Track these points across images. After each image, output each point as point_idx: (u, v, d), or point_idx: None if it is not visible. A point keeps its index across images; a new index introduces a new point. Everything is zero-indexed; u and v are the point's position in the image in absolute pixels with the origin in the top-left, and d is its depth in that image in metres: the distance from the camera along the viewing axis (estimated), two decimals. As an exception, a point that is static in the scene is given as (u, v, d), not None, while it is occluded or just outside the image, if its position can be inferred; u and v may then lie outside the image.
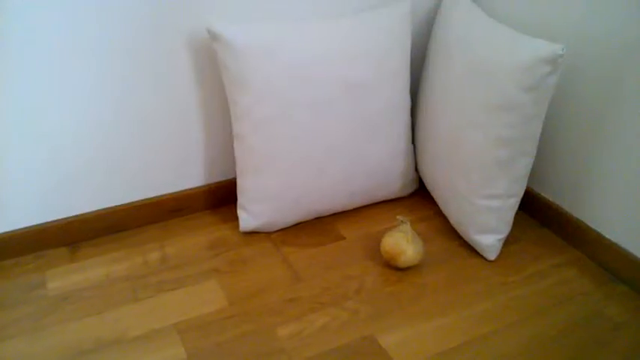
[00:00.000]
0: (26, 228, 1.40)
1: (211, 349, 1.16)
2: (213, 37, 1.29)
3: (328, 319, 1.24)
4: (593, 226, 1.41)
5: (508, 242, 1.45)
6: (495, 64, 1.25)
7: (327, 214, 1.54)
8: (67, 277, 1.35)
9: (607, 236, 1.38)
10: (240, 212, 1.47)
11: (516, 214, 1.52)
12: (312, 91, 1.35)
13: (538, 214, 1.55)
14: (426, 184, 1.60)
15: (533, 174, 1.52)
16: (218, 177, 1.56)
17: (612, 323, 1.24)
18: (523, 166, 1.33)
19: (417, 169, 1.63)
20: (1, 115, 1.24)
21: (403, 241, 1.34)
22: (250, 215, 1.46)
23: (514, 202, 1.37)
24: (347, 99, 1.39)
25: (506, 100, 1.23)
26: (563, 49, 1.15)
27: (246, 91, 1.31)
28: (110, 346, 1.16)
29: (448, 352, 1.16)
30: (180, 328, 1.21)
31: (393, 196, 1.61)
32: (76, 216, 1.44)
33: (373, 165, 1.49)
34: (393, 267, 1.38)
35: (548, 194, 1.52)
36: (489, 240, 1.39)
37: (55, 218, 1.42)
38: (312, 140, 1.39)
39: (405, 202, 1.63)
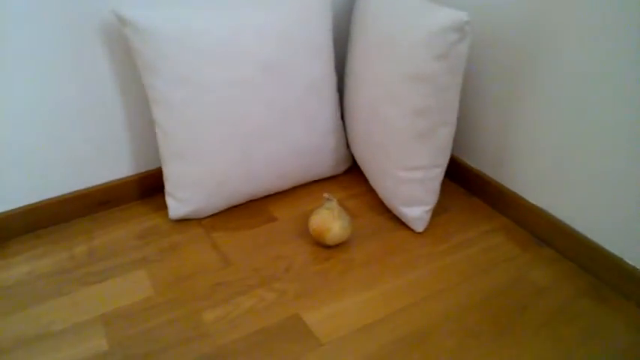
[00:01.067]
0: (-53, 229, 1.37)
1: (135, 337, 1.15)
2: (122, 22, 1.26)
3: (255, 301, 1.23)
4: (517, 191, 1.43)
5: (437, 212, 1.47)
6: (405, 35, 1.24)
7: (259, 196, 1.53)
8: (-9, 276, 1.32)
9: (531, 201, 1.40)
10: (168, 200, 1.45)
11: (445, 184, 1.53)
12: (226, 74, 1.33)
13: (466, 183, 1.56)
14: (357, 161, 1.60)
15: (460, 143, 1.54)
16: (146, 166, 1.54)
17: (536, 287, 1.26)
18: (444, 136, 1.33)
19: (348, 147, 1.63)
20: None
21: (329, 218, 1.34)
22: (178, 202, 1.44)
23: (438, 173, 1.38)
24: (265, 79, 1.37)
25: (419, 70, 1.23)
26: (467, 16, 1.15)
27: (159, 76, 1.29)
28: (30, 343, 1.14)
29: (371, 326, 1.17)
30: (105, 319, 1.20)
31: (326, 175, 1.61)
32: (1, 213, 1.41)
33: (301, 144, 1.49)
34: (322, 245, 1.38)
35: (474, 163, 1.53)
36: (416, 212, 1.40)
37: (-23, 217, 1.40)
38: (231, 123, 1.37)
39: (338, 180, 1.63)
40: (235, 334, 1.16)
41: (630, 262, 1.20)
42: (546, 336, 1.13)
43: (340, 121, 1.56)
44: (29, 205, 1.43)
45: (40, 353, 1.11)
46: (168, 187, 1.44)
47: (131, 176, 1.53)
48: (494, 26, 1.34)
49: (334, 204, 1.35)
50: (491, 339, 1.13)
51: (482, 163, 1.51)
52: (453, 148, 1.57)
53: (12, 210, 1.41)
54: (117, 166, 1.50)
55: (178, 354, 1.11)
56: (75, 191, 1.48)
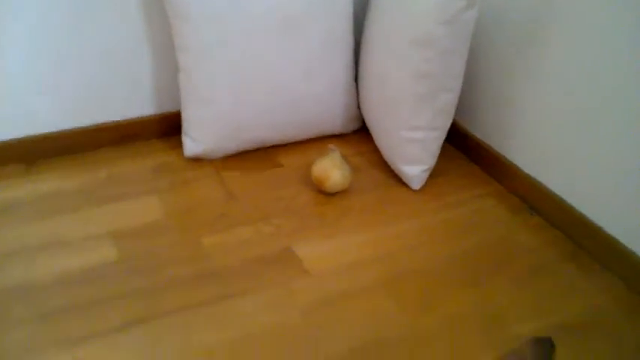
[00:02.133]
0: (-16, 144, 1.50)
1: (141, 252, 1.26)
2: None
3: (253, 233, 1.34)
4: (513, 161, 1.49)
5: (435, 174, 1.54)
6: (414, 1, 1.31)
7: (270, 144, 1.63)
8: (17, 189, 1.45)
9: (525, 170, 1.46)
10: (184, 139, 1.56)
11: (447, 149, 1.60)
12: (250, 24, 1.42)
13: (466, 150, 1.63)
14: (365, 122, 1.68)
15: (464, 112, 1.60)
16: (168, 107, 1.65)
17: (520, 248, 1.33)
18: (446, 101, 1.40)
19: (359, 108, 1.71)
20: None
21: (330, 167, 1.42)
22: (193, 142, 1.55)
23: (438, 135, 1.45)
24: (285, 31, 1.46)
25: (425, 34, 1.30)
26: (476, -16, 1.22)
27: (186, 20, 1.39)
28: (46, 248, 1.26)
29: (358, 263, 1.26)
30: (116, 235, 1.31)
31: (335, 132, 1.70)
32: (36, 135, 1.54)
33: (313, 98, 1.57)
34: (322, 192, 1.47)
35: (476, 132, 1.60)
36: (414, 170, 1.47)
37: (15, 136, 1.52)
38: (251, 71, 1.47)
39: (346, 138, 1.71)
40: (231, 258, 1.26)
41: (609, 232, 1.26)
42: (524, 288, 1.20)
43: (354, 82, 1.64)
44: (61, 131, 1.56)
45: (54, 258, 1.23)
46: (185, 126, 1.55)
47: (153, 115, 1.64)
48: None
49: (337, 154, 1.44)
50: (470, 284, 1.21)
51: (483, 132, 1.57)
52: (457, 116, 1.64)
53: (45, 133, 1.54)
54: (141, 105, 1.61)
55: (178, 270, 1.22)
56: (102, 123, 1.59)
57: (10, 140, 1.52)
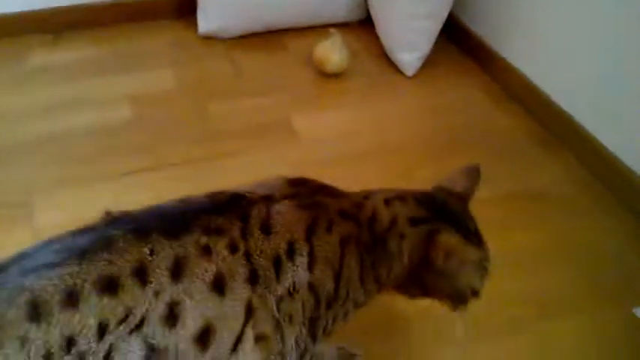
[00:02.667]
0: (15, 13, 1.63)
1: (153, 113, 1.42)
2: None
3: (255, 104, 1.48)
4: (505, 56, 1.58)
5: (429, 65, 1.63)
6: None
7: (277, 27, 1.73)
8: (47, 57, 1.60)
9: (513, 64, 1.55)
10: (199, 16, 1.68)
11: (443, 43, 1.68)
12: None
13: (462, 44, 1.72)
14: (369, 10, 1.76)
15: (462, 6, 1.67)
16: (186, -14, 1.76)
17: (494, 129, 1.45)
18: (443, -10, 1.48)
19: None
20: None
21: (330, 49, 1.54)
22: (207, 20, 1.66)
23: (435, 24, 1.54)
24: None
25: None
26: None
27: None
28: (70, 106, 1.42)
29: (347, 134, 1.40)
30: (132, 98, 1.47)
31: (340, 20, 1.79)
32: (62, 6, 1.66)
33: (322, -15, 1.67)
34: (322, 73, 1.59)
35: (472, 25, 1.68)
36: (409, 57, 1.58)
37: (42, 7, 1.65)
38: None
39: (350, 27, 1.80)
40: (232, 124, 1.41)
41: (577, 119, 1.37)
42: (493, 161, 1.34)
43: (360, -29, 1.72)
44: (85, 3, 1.68)
45: (78, 114, 1.40)
46: (200, 5, 1.65)
47: (171, -6, 1.76)
48: None
49: (337, 38, 1.54)
50: (447, 156, 1.34)
51: (479, 26, 1.65)
52: (456, 9, 1.69)
53: (70, 5, 1.67)
54: (159, -18, 1.73)
55: (185, 130, 1.38)
56: (121, 0, 1.71)
57: (40, 10, 1.65)
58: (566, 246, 1.16)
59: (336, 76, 1.58)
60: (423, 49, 1.57)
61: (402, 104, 1.52)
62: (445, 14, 1.53)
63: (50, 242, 0.58)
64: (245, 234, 0.62)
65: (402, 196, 0.74)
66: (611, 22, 1.25)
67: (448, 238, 0.70)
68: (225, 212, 0.63)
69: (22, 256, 0.56)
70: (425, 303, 1.02)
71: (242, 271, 0.60)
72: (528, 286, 1.07)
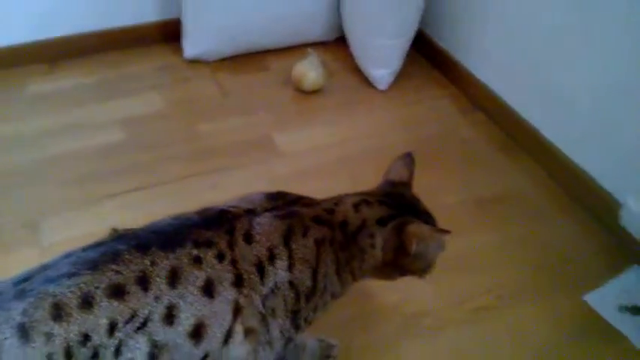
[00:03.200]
0: (11, 45, 1.74)
1: (145, 134, 1.53)
2: None
3: (240, 122, 1.60)
4: (469, 67, 1.70)
5: (400, 78, 1.76)
6: None
7: (259, 49, 1.85)
8: (43, 85, 1.70)
9: (477, 76, 1.68)
10: (183, 42, 1.79)
11: (414, 56, 1.81)
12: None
13: (431, 58, 1.85)
14: (344, 30, 1.88)
15: (432, 23, 1.80)
16: (170, 14, 1.86)
17: (461, 138, 1.58)
18: (410, 10, 1.61)
19: (340, 18, 1.91)
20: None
21: (307, 68, 1.66)
22: (192, 44, 1.78)
23: (404, 42, 1.67)
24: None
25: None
26: None
27: None
28: (65, 132, 1.53)
29: (326, 146, 1.53)
30: (124, 122, 1.57)
31: (318, 39, 1.91)
32: (56, 38, 1.77)
33: (300, 9, 1.79)
34: (300, 90, 1.71)
35: (441, 41, 1.81)
36: (381, 73, 1.70)
37: (36, 38, 1.76)
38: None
39: (327, 45, 1.93)
40: (220, 140, 1.53)
41: (537, 127, 1.50)
42: (458, 169, 1.47)
43: (334, -6, 1.84)
44: (81, 33, 1.79)
45: (73, 139, 1.50)
46: (185, 30, 1.77)
47: (156, 21, 1.86)
48: None
49: (314, 57, 1.67)
50: (419, 162, 1.45)
51: (446, 41, 1.78)
52: (425, 26, 1.83)
53: (63, 36, 1.78)
54: (146, 11, 1.83)
55: (176, 149, 1.50)
56: (112, 28, 1.82)
57: (34, 42, 1.76)
58: (525, 243, 1.29)
59: (314, 93, 1.71)
60: (394, 64, 1.70)
61: (376, 117, 1.64)
62: (413, 32, 1.66)
63: (67, 255, 0.69)
64: (231, 244, 0.74)
65: (367, 200, 0.86)
66: (564, 31, 1.38)
67: (416, 228, 0.82)
68: (213, 226, 0.75)
69: (44, 267, 0.68)
70: (396, 299, 1.15)
71: (229, 277, 0.72)
72: (491, 280, 1.20)
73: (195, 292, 0.69)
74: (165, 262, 0.69)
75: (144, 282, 0.67)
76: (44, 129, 1.53)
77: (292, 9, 1.77)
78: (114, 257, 0.68)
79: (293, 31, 1.84)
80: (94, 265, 0.67)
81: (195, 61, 1.82)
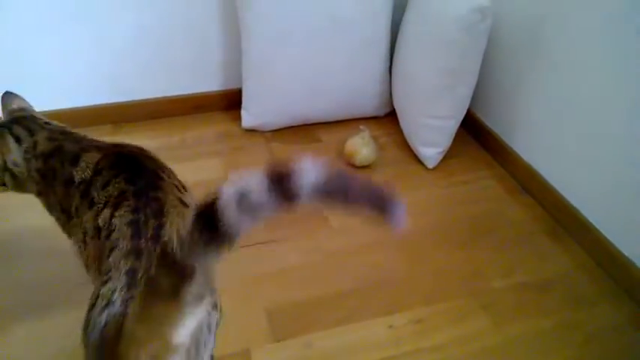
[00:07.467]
0: (82, 107, 1.87)
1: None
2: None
3: (293, 193, 1.66)
4: (516, 149, 1.75)
5: (449, 156, 1.82)
6: (441, 11, 1.59)
7: (312, 122, 1.94)
8: (110, 145, 1.82)
9: (525, 159, 1.72)
10: (242, 112, 1.90)
11: (462, 134, 1.87)
12: (305, 21, 1.73)
13: (478, 137, 1.91)
14: (395, 107, 1.97)
15: (479, 103, 1.87)
16: (232, 85, 1.98)
17: (508, 219, 1.61)
18: (462, 94, 1.68)
19: (391, 95, 2.00)
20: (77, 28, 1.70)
21: (360, 145, 1.73)
22: (250, 115, 1.88)
23: (454, 123, 1.73)
24: (334, 30, 1.76)
25: (448, 38, 1.58)
26: (488, 2, 1.49)
27: (249, 7, 1.70)
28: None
29: (375, 222, 1.56)
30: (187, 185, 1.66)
31: (369, 115, 1.99)
32: (123, 102, 1.90)
33: (352, 86, 1.88)
34: (351, 165, 1.78)
35: (488, 122, 1.87)
36: (430, 152, 1.76)
37: (104, 102, 1.89)
38: (303, 60, 1.78)
39: (377, 120, 2.01)
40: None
41: (584, 213, 1.53)
42: (504, 251, 1.49)
43: (388, 73, 1.93)
44: (146, 99, 1.92)
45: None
46: (244, 102, 1.88)
47: (218, 91, 1.99)
48: (512, 11, 1.65)
49: (366, 134, 1.74)
50: (461, 245, 1.50)
51: (493, 122, 1.84)
52: (473, 106, 1.90)
53: (130, 101, 1.90)
54: (209, 81, 1.96)
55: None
56: (176, 95, 1.95)
57: (102, 105, 1.89)
58: (570, 331, 1.30)
59: (364, 168, 1.77)
60: (442, 144, 1.76)
61: (423, 194, 1.69)
62: (462, 115, 1.73)
63: None
64: None
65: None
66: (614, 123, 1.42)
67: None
68: None
69: None
70: None
71: None
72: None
73: None
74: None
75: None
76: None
77: (345, 85, 1.87)
78: None
79: (345, 106, 1.93)
80: None
81: (251, 130, 1.92)
